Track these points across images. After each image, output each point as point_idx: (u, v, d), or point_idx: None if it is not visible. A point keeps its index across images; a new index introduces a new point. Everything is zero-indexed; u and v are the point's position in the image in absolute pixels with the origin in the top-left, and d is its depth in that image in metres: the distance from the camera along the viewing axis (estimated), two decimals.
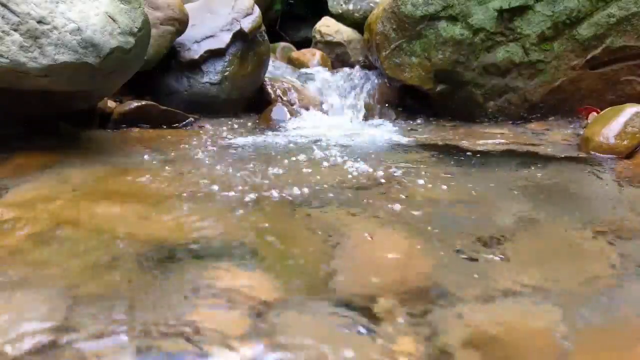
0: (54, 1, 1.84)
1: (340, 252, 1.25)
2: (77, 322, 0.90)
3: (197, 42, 3.09)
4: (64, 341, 0.85)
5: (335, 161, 2.11)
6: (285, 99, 3.31)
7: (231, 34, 3.11)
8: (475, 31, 3.03)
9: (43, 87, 1.90)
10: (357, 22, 4.32)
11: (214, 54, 3.07)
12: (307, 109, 3.27)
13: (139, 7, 2.07)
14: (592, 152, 2.32)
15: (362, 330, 0.92)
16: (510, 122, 3.13)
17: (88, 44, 1.86)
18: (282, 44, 4.75)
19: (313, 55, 4.20)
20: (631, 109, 2.37)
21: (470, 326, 0.95)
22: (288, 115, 3.11)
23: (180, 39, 3.05)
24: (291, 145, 2.43)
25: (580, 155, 2.32)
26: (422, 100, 3.35)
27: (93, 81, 2.00)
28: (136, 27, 2.02)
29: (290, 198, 1.61)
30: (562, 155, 2.32)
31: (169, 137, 2.45)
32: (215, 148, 2.30)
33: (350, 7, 4.51)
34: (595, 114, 2.77)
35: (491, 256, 1.24)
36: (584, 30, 2.91)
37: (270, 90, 3.35)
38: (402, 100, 3.43)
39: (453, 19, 3.06)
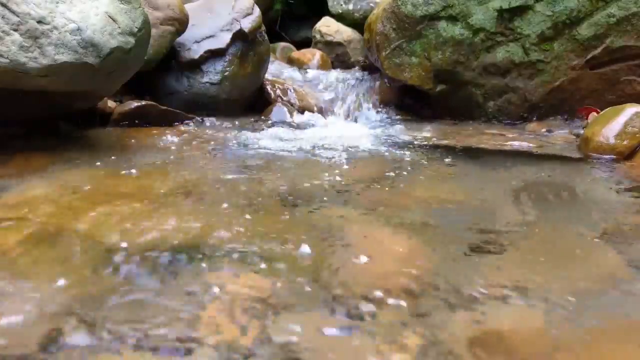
0: (54, 1, 1.84)
1: (340, 252, 1.25)
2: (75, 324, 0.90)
3: (197, 42, 3.09)
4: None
5: (334, 161, 2.11)
6: (285, 99, 3.32)
7: (231, 34, 3.11)
8: (475, 31, 3.03)
9: (43, 87, 1.90)
10: (357, 22, 4.33)
11: (214, 54, 3.07)
12: (306, 109, 3.27)
13: (139, 7, 2.07)
14: (592, 152, 2.32)
15: (363, 329, 0.92)
16: (510, 122, 3.13)
17: (88, 44, 1.86)
18: (282, 44, 4.76)
19: (313, 55, 4.20)
20: (631, 109, 2.37)
21: (470, 325, 0.95)
22: (288, 115, 3.11)
23: (180, 39, 3.05)
24: (290, 145, 2.43)
25: (580, 156, 2.32)
26: (422, 100, 3.35)
27: (93, 81, 2.00)
28: (136, 27, 2.02)
29: (289, 197, 1.61)
30: (562, 155, 2.32)
31: (169, 137, 2.45)
32: (215, 148, 2.30)
33: (350, 7, 4.51)
34: (595, 114, 2.77)
35: (491, 256, 1.24)
36: (584, 30, 2.91)
37: (270, 90, 3.35)
38: (402, 100, 3.44)
39: (453, 19, 3.06)
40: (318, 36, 4.43)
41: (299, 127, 2.95)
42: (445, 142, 2.59)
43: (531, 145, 2.52)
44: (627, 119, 2.32)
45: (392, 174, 1.94)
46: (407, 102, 3.42)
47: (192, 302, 0.99)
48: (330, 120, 3.24)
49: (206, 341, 0.87)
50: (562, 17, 2.92)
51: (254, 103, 3.29)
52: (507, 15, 3.00)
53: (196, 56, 3.03)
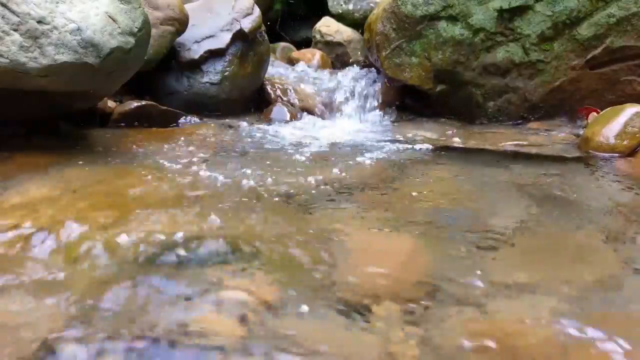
0: (54, 1, 1.84)
1: (340, 252, 1.25)
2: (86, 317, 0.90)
3: (197, 42, 3.08)
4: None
5: (335, 161, 2.11)
6: (285, 99, 3.31)
7: (231, 34, 3.11)
8: (475, 31, 3.03)
9: (43, 87, 1.90)
10: (357, 22, 4.33)
11: (214, 54, 3.07)
12: (306, 109, 3.27)
13: (139, 7, 2.07)
14: (592, 152, 2.32)
15: (362, 330, 0.92)
16: (510, 122, 3.13)
17: (88, 44, 1.86)
18: (282, 44, 4.75)
19: (313, 55, 4.20)
20: (631, 109, 2.37)
21: (470, 325, 0.95)
22: (288, 116, 3.11)
23: (180, 39, 3.05)
24: (290, 145, 2.43)
25: (580, 155, 2.32)
26: (422, 100, 3.35)
27: (93, 81, 2.00)
28: (136, 27, 2.02)
29: (289, 198, 1.61)
30: (562, 155, 2.32)
31: (169, 137, 2.45)
32: (215, 148, 2.30)
33: (350, 7, 4.51)
34: (595, 114, 2.77)
35: (491, 256, 1.24)
36: (584, 30, 2.90)
37: (270, 90, 3.35)
38: (402, 100, 3.43)
39: (453, 19, 3.06)
40: (318, 36, 4.43)
41: (299, 127, 2.95)
42: (445, 142, 2.59)
43: (531, 145, 2.52)
44: (627, 119, 2.32)
45: (392, 174, 1.94)
46: (407, 102, 3.42)
47: None
48: (330, 120, 3.24)
49: None
50: (562, 17, 2.92)
51: (254, 103, 3.28)
52: (507, 15, 2.99)
53: (196, 56, 3.03)
